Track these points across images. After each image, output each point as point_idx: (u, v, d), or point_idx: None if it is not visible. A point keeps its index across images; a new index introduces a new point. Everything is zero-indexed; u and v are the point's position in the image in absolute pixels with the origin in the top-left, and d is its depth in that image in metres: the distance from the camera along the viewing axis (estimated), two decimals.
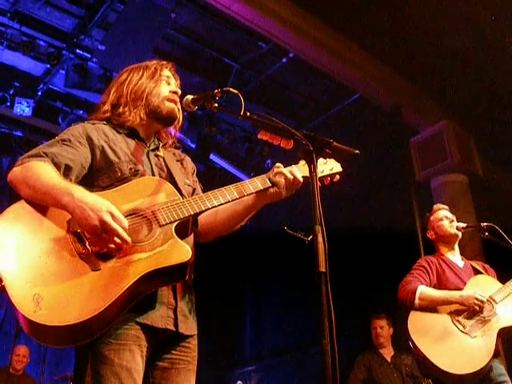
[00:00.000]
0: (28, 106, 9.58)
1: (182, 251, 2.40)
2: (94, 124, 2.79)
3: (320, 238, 2.18)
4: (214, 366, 10.31)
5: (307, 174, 2.51)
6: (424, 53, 8.51)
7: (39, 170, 2.44)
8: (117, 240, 2.30)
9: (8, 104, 9.51)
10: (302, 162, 2.77)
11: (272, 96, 10.42)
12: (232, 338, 11.76)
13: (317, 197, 2.27)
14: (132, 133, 2.85)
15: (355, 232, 9.34)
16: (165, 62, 3.05)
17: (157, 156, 2.88)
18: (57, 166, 2.50)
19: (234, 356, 11.64)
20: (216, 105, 2.58)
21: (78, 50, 9.19)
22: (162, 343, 2.54)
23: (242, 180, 2.76)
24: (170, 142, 3.05)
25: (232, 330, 11.86)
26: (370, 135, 9.41)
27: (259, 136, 2.54)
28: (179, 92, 2.94)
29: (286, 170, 2.69)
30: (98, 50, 8.99)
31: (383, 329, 7.60)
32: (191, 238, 2.74)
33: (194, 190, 2.92)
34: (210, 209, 2.62)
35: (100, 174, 2.64)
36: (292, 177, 2.66)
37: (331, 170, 2.85)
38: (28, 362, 8.37)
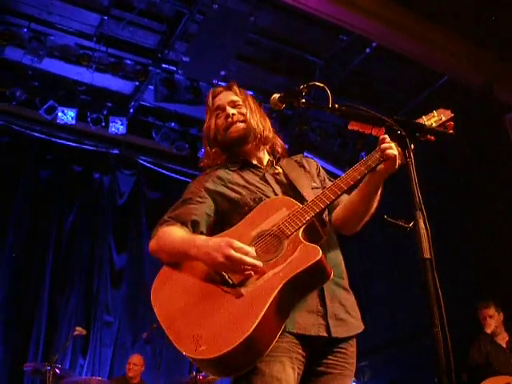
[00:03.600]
0: (122, 124, 9.94)
1: (312, 252, 2.44)
2: (207, 174, 2.96)
3: (422, 224, 2.14)
4: None
5: None
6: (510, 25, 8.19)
7: (166, 235, 2.70)
8: (246, 267, 2.42)
9: (103, 124, 9.90)
10: None
11: (359, 88, 10.28)
12: None
13: (415, 182, 2.22)
14: (244, 164, 2.96)
15: (456, 219, 9.12)
16: (213, 90, 3.15)
17: (275, 173, 2.95)
18: (184, 224, 2.73)
19: None
20: (303, 100, 2.57)
21: (163, 65, 9.45)
22: (319, 350, 2.62)
23: (338, 176, 2.71)
24: (280, 151, 3.11)
25: None
26: (463, 116, 9.10)
27: (349, 127, 2.51)
28: (230, 112, 2.98)
29: (386, 144, 2.58)
30: (183, 62, 9.19)
31: (493, 317, 7.36)
32: (330, 237, 2.78)
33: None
34: (329, 205, 2.62)
35: (230, 215, 2.78)
36: (388, 145, 2.55)
37: (441, 119, 2.71)
38: (143, 371, 8.60)
